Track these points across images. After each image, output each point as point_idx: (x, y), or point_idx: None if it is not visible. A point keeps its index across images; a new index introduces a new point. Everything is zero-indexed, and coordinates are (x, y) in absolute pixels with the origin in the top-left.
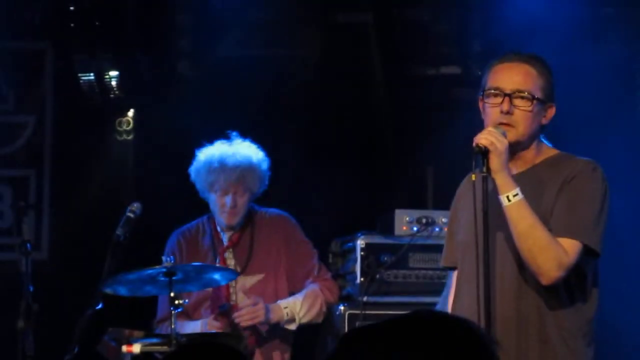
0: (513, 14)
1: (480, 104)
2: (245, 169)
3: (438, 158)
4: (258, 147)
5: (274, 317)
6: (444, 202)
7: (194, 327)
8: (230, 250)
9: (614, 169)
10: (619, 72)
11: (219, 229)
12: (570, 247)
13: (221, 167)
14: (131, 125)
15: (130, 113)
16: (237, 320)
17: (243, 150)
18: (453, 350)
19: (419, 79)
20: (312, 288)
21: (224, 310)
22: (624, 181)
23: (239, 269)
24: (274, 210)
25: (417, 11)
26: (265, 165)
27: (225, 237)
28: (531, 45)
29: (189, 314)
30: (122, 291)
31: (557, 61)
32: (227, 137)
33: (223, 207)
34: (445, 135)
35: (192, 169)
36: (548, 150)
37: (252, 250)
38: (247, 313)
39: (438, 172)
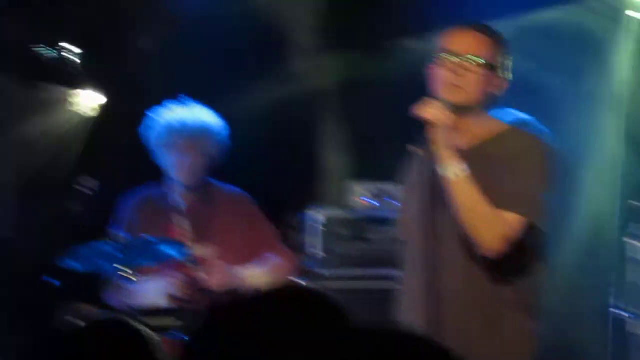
0: None
1: (431, 71)
2: (205, 129)
3: (400, 131)
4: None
5: (237, 283)
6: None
7: (155, 284)
8: (185, 215)
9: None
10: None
11: (173, 194)
12: (514, 222)
13: (181, 126)
14: (92, 101)
15: (92, 89)
16: (209, 284)
17: (203, 114)
18: (314, 322)
19: (380, 50)
20: (274, 261)
21: (191, 262)
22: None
23: (191, 235)
24: (233, 188)
25: None
26: (224, 132)
27: (180, 203)
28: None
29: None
30: (77, 266)
31: (517, 32)
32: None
33: (180, 165)
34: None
35: (149, 132)
36: (499, 125)
37: (207, 219)
38: (217, 279)
39: (400, 146)
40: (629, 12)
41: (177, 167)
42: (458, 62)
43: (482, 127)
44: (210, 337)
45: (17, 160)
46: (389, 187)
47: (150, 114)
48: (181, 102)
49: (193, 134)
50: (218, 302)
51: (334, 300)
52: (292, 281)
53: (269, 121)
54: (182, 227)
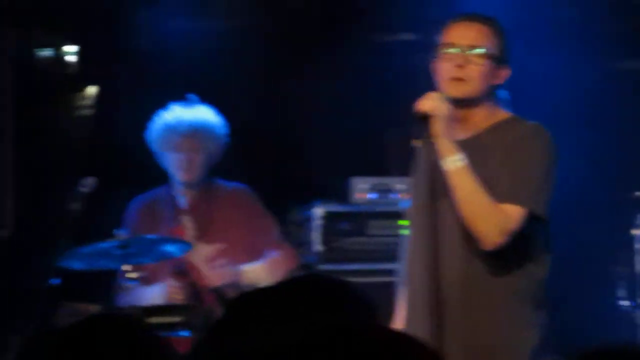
0: None
1: (433, 66)
2: (202, 126)
3: (398, 124)
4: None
5: (238, 282)
6: (405, 169)
7: (152, 292)
8: (188, 213)
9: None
10: None
11: (176, 193)
12: (513, 213)
13: (177, 123)
14: (91, 99)
15: (90, 88)
16: (206, 281)
17: (201, 111)
18: (337, 309)
19: (378, 44)
20: (273, 256)
21: (181, 270)
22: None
23: (196, 233)
24: (234, 184)
25: None
26: (222, 129)
27: (183, 201)
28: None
29: (148, 281)
30: (77, 265)
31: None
32: (185, 101)
33: (179, 163)
34: (406, 102)
35: (149, 131)
36: (499, 114)
37: (210, 216)
38: (215, 274)
39: (398, 139)
40: None
41: (175, 165)
42: (459, 54)
43: (482, 116)
44: (224, 333)
45: (19, 159)
46: (391, 181)
47: (154, 117)
48: (185, 102)
49: (189, 131)
50: (233, 297)
51: (360, 291)
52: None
53: (271, 116)
54: (185, 226)
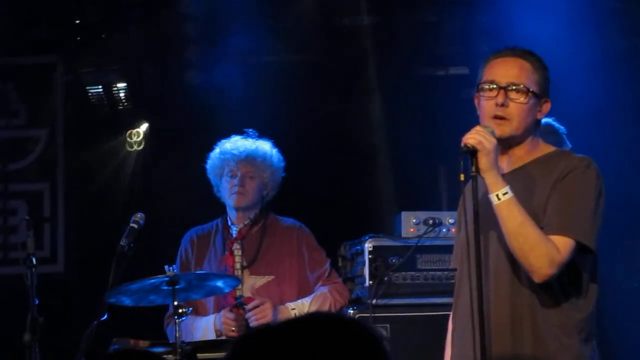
0: (519, 13)
1: (476, 100)
2: (257, 154)
3: (450, 159)
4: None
5: (281, 318)
6: (456, 203)
7: (206, 321)
8: (239, 242)
9: (614, 164)
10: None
11: (229, 222)
12: (563, 245)
13: (233, 148)
14: (141, 136)
15: (140, 124)
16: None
17: (258, 142)
18: (344, 350)
19: (428, 79)
20: (321, 291)
21: (239, 303)
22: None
23: (245, 263)
24: (290, 220)
25: (423, 12)
26: (279, 160)
27: (235, 230)
28: (536, 45)
29: (197, 312)
30: (126, 301)
31: (562, 59)
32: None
33: (232, 187)
34: (457, 136)
35: (209, 160)
36: (544, 147)
37: (260, 246)
38: (254, 313)
39: (450, 173)
40: None
41: (229, 190)
42: (500, 92)
43: (526, 149)
44: None
45: (68, 196)
46: (441, 215)
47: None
48: (244, 135)
49: (244, 158)
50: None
51: (366, 328)
52: (337, 310)
53: (323, 151)
54: (234, 253)
